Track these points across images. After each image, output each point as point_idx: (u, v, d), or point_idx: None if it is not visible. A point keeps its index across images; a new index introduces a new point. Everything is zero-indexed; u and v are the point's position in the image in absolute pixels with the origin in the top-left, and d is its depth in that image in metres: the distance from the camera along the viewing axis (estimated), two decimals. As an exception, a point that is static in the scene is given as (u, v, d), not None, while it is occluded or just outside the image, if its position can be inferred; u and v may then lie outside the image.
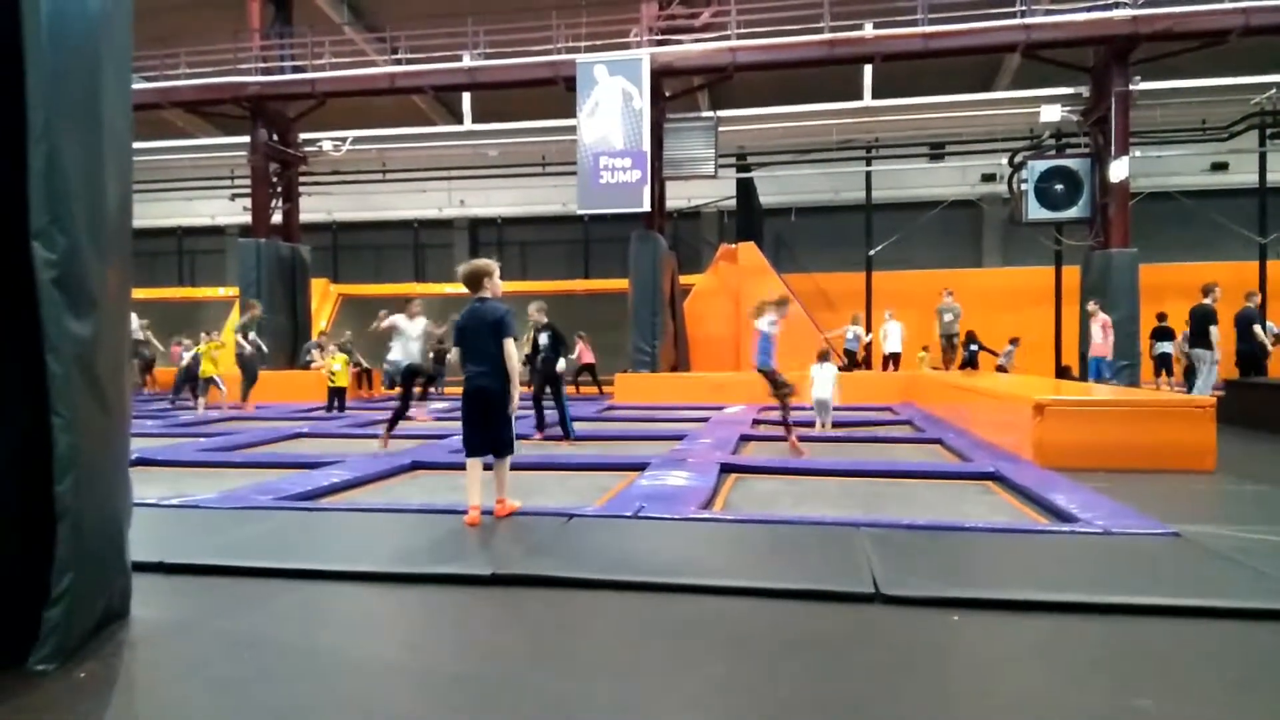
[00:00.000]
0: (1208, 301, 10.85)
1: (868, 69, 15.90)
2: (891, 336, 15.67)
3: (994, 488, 6.06)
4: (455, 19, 16.00)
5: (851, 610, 3.15)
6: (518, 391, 4.75)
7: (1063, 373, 17.54)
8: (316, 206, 22.16)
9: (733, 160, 19.49)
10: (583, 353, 17.22)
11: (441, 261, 24.80)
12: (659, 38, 14.83)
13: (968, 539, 4.22)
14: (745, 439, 8.84)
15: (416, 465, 7.00)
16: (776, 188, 21.92)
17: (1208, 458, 6.58)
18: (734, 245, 18.19)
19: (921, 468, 6.87)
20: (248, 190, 17.68)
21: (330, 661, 2.70)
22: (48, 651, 2.54)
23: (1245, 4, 12.64)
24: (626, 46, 14.99)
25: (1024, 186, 15.06)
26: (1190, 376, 14.08)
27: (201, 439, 9.10)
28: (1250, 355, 11.09)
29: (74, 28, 2.67)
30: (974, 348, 15.63)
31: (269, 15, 17.06)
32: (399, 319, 8.83)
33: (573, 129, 15.13)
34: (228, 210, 23.55)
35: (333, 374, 12.83)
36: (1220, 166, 20.30)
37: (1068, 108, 15.28)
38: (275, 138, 17.38)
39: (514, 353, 4.67)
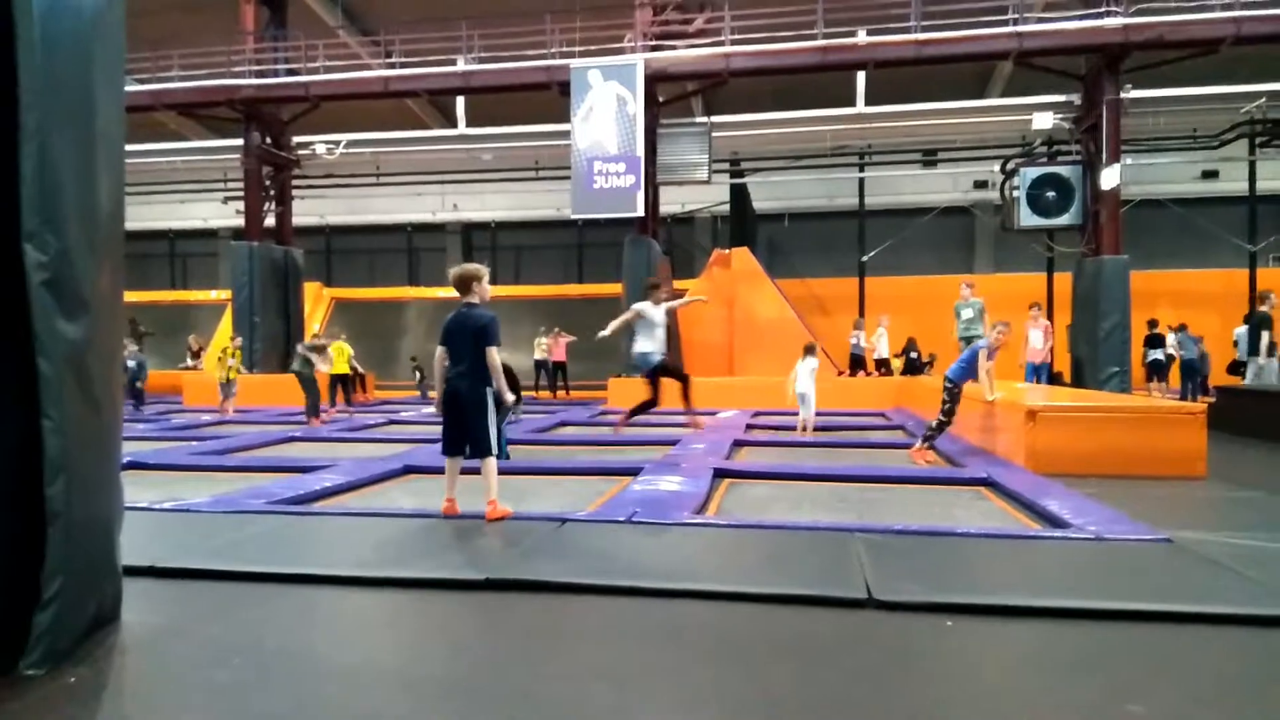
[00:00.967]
0: (1264, 309, 11.06)
1: (861, 75, 15.96)
2: (883, 343, 15.70)
3: (987, 493, 6.08)
4: (449, 23, 15.99)
5: (844, 615, 3.15)
6: (507, 394, 4.85)
7: (1054, 379, 17.57)
8: (310, 210, 22.11)
9: (726, 165, 19.53)
10: (554, 349, 17.13)
11: (435, 265, 24.77)
12: (653, 43, 14.86)
13: (960, 544, 4.23)
14: (738, 444, 8.84)
15: (409, 469, 6.98)
16: (770, 193, 21.98)
17: (1199, 464, 6.62)
18: (727, 250, 18.19)
19: (914, 473, 6.88)
20: (240, 193, 17.61)
21: (322, 666, 2.69)
22: (37, 656, 2.52)
23: (1236, 13, 12.73)
24: (621, 51, 15.02)
25: (1016, 193, 15.12)
26: (1185, 382, 14.19)
27: (193, 443, 9.06)
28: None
29: (66, 29, 2.65)
30: (913, 355, 15.58)
31: (263, 18, 17.02)
32: (644, 306, 7.71)
33: (567, 133, 15.13)
34: (220, 213, 23.49)
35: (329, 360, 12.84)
36: (1211, 174, 20.43)
37: (1059, 115, 15.38)
38: (268, 141, 17.34)
39: (497, 359, 4.77)
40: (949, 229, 22.14)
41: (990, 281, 20.94)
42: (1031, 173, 15.01)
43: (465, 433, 4.83)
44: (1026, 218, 14.98)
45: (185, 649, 2.81)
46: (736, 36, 14.44)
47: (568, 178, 15.49)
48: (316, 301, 22.51)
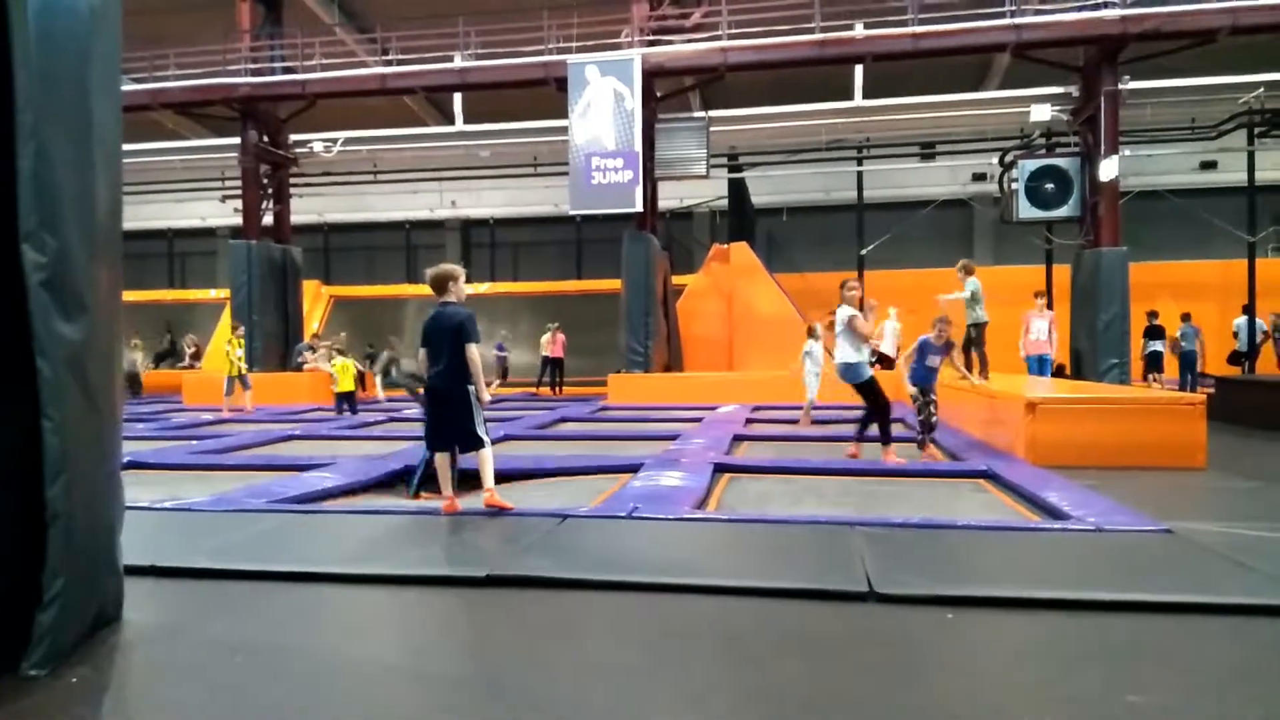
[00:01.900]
0: None
1: (858, 69, 15.91)
2: (888, 337, 15.64)
3: (987, 486, 6.09)
4: (446, 19, 15.94)
5: (845, 609, 3.16)
6: (485, 391, 4.88)
7: (1057, 371, 17.59)
8: (308, 208, 22.06)
9: (724, 160, 19.48)
10: (550, 345, 17.11)
11: (433, 262, 23.94)
12: (650, 38, 14.82)
13: (961, 537, 4.23)
14: (739, 439, 8.85)
15: (409, 469, 6.97)
16: (768, 187, 21.93)
17: (1198, 455, 6.62)
18: (726, 245, 18.18)
19: (914, 467, 6.88)
20: (238, 192, 17.58)
21: (325, 664, 2.69)
22: (39, 656, 2.52)
23: (1234, 4, 12.70)
24: (618, 47, 14.98)
25: (1014, 186, 15.10)
26: (1184, 373, 14.21)
27: (193, 442, 9.06)
28: None
29: (63, 27, 2.65)
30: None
31: (259, 16, 16.97)
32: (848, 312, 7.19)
33: (564, 129, 15.10)
34: (218, 212, 23.44)
35: (335, 379, 12.95)
36: (1209, 165, 20.39)
37: (1057, 107, 15.33)
38: (266, 139, 17.29)
39: (476, 356, 4.79)
40: (948, 222, 22.10)
41: (990, 274, 20.88)
42: (1030, 165, 14.99)
43: (452, 429, 4.87)
44: (1025, 210, 14.97)
45: (187, 648, 2.82)
46: (734, 31, 14.41)
47: (566, 174, 15.46)
48: (315, 299, 22.50)
